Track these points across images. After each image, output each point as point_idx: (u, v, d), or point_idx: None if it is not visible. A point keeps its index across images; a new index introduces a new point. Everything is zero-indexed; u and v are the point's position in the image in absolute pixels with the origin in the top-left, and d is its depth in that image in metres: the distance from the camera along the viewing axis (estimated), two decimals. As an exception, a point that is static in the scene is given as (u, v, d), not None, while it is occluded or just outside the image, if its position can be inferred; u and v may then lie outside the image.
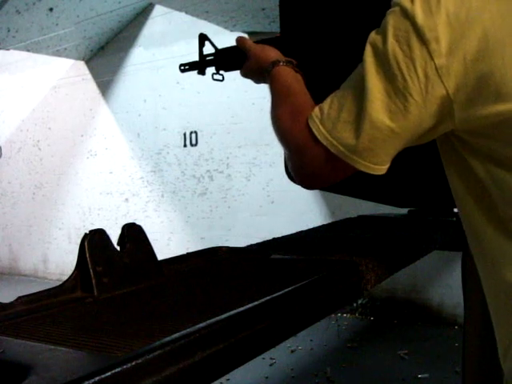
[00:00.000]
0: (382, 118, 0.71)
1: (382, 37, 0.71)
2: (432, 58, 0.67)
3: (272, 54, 1.06)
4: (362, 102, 0.73)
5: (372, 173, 0.77)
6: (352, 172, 0.80)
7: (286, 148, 0.87)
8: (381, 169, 0.77)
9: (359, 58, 0.78)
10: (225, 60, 1.27)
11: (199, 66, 1.33)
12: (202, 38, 1.31)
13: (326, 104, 0.79)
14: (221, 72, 1.31)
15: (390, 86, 0.71)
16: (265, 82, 1.08)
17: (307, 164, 0.82)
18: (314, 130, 0.79)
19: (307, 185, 0.88)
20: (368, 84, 0.72)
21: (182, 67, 1.36)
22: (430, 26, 0.67)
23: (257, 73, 1.10)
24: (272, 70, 1.00)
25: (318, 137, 0.78)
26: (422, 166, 1.78)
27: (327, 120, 0.77)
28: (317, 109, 0.80)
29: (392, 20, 0.71)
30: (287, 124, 0.87)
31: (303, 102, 0.89)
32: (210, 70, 1.33)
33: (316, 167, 0.81)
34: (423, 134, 0.74)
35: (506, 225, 0.72)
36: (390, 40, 0.70)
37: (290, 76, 0.98)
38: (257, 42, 1.15)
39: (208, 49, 1.32)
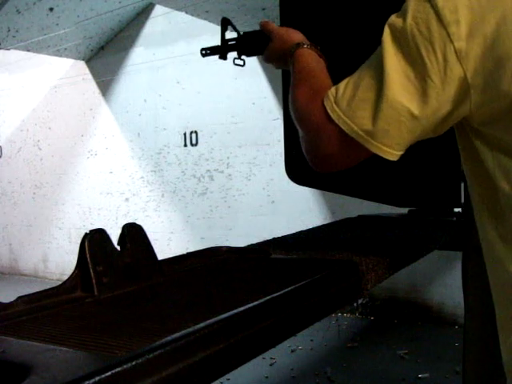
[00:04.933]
0: (401, 99, 0.70)
1: (402, 19, 0.71)
2: (451, 41, 0.67)
3: (296, 36, 1.06)
4: (379, 83, 0.72)
5: (384, 156, 0.75)
6: (366, 156, 0.78)
7: (301, 128, 0.86)
8: (393, 154, 0.75)
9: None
10: (247, 44, 1.26)
11: (221, 50, 1.32)
12: (225, 23, 1.30)
13: (342, 84, 0.78)
14: (242, 57, 1.30)
15: (409, 69, 0.70)
16: (286, 67, 1.07)
17: (321, 145, 0.80)
18: (327, 108, 0.78)
19: (321, 167, 0.85)
20: (386, 66, 0.71)
21: (204, 51, 1.35)
22: (451, 8, 0.67)
23: (279, 55, 1.09)
24: (295, 52, 1.00)
25: (332, 115, 0.77)
26: (422, 166, 1.78)
27: (342, 99, 0.76)
28: (333, 88, 0.79)
29: (412, 2, 0.70)
30: (304, 104, 0.86)
31: (323, 84, 0.88)
32: (231, 55, 1.32)
33: (330, 148, 0.79)
34: (439, 122, 0.73)
35: (505, 219, 0.73)
36: (410, 22, 0.70)
37: (312, 58, 0.97)
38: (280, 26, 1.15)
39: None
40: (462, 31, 0.66)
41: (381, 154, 0.75)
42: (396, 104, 0.71)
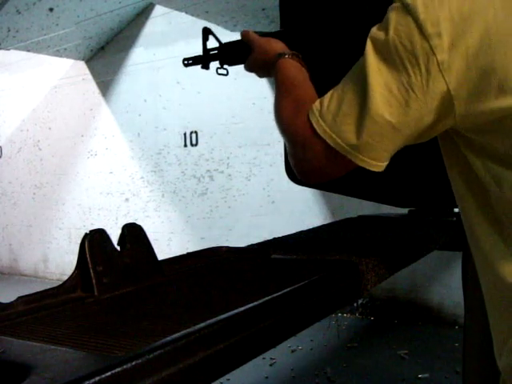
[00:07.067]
0: (383, 112, 0.71)
1: (384, 32, 0.71)
2: (434, 54, 0.67)
3: (277, 46, 1.05)
4: (362, 97, 0.72)
5: (370, 169, 0.76)
6: (352, 168, 0.79)
7: (287, 141, 0.86)
8: (378, 165, 0.76)
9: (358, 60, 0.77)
10: (229, 54, 1.26)
11: (203, 60, 1.32)
12: (206, 32, 1.30)
13: (326, 97, 0.79)
14: (225, 66, 1.30)
15: (392, 81, 0.70)
16: (269, 76, 1.07)
17: (307, 158, 0.81)
18: (313, 122, 0.78)
19: (307, 179, 0.86)
20: (369, 79, 0.71)
21: (186, 62, 1.34)
22: (433, 20, 0.67)
23: (261, 65, 1.09)
24: (277, 62, 0.99)
25: (317, 130, 0.77)
26: (422, 166, 1.78)
27: (327, 113, 0.77)
28: (317, 102, 0.80)
29: (394, 15, 0.70)
30: (289, 116, 0.86)
31: (307, 95, 0.88)
32: (214, 64, 1.32)
33: (316, 161, 0.80)
34: (423, 131, 0.73)
35: (501, 223, 0.73)
36: (392, 35, 0.70)
37: (294, 68, 0.97)
38: (261, 35, 1.14)
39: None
40: (444, 43, 0.66)
41: (367, 167, 0.76)
42: (378, 118, 0.71)
